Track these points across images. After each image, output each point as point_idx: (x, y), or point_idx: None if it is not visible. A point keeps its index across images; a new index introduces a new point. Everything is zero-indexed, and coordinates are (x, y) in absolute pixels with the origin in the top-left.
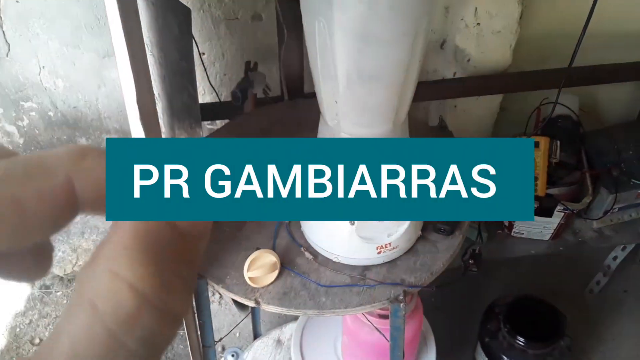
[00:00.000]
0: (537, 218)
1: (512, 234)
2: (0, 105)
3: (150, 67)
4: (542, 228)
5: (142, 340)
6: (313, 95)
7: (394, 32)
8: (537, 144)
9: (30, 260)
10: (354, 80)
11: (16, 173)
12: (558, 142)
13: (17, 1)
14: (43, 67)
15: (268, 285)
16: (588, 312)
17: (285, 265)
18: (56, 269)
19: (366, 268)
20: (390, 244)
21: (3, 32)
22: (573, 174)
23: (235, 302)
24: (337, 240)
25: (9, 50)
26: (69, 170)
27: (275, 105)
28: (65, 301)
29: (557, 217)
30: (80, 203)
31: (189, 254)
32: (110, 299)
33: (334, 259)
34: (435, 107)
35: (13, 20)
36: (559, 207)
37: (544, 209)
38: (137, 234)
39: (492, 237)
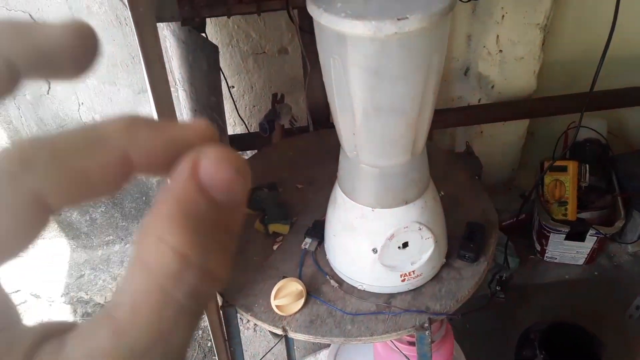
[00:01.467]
0: (569, 242)
1: (545, 258)
2: None
3: (182, 101)
4: (575, 252)
5: (189, 295)
6: None
7: (406, 69)
8: (565, 168)
9: None
10: (370, 113)
11: (78, 146)
12: (587, 165)
13: None
14: (82, 103)
15: (295, 313)
16: (628, 338)
17: (312, 293)
18: (97, 297)
19: (391, 296)
20: (414, 271)
21: None
22: (604, 197)
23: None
24: (361, 269)
25: (49, 88)
26: (125, 143)
27: (301, 136)
28: None
29: (590, 242)
30: (136, 170)
31: (226, 222)
32: (158, 260)
33: (359, 287)
34: (461, 133)
35: None
36: (591, 232)
37: (576, 233)
38: (179, 204)
39: (524, 262)
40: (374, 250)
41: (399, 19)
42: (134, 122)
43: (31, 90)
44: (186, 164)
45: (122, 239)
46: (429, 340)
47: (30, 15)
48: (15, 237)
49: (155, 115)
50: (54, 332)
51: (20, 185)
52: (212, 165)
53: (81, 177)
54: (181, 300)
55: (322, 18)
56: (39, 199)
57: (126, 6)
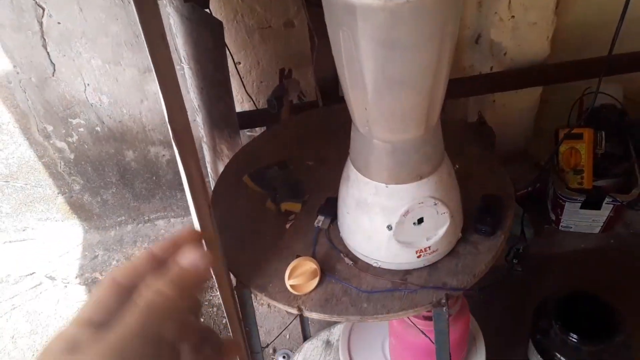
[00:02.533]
0: (585, 211)
1: (560, 228)
2: (50, 123)
3: (188, 79)
4: (591, 221)
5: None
6: None
7: (419, 38)
8: (581, 136)
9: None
10: (382, 87)
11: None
12: (603, 132)
13: (58, 23)
14: (88, 84)
15: (310, 292)
16: None
17: (326, 272)
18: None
19: (407, 272)
20: (430, 247)
21: (48, 53)
22: (620, 164)
23: None
24: (376, 246)
25: (54, 70)
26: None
27: (310, 111)
28: None
29: (606, 210)
30: None
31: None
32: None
33: (374, 264)
34: (473, 103)
35: (56, 41)
36: (607, 199)
37: (592, 202)
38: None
39: (539, 232)
40: (389, 227)
41: None
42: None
43: (36, 72)
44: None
45: (134, 219)
46: (447, 316)
47: (35, 1)
48: None
49: (160, 95)
50: None
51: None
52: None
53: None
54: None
55: None
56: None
57: None
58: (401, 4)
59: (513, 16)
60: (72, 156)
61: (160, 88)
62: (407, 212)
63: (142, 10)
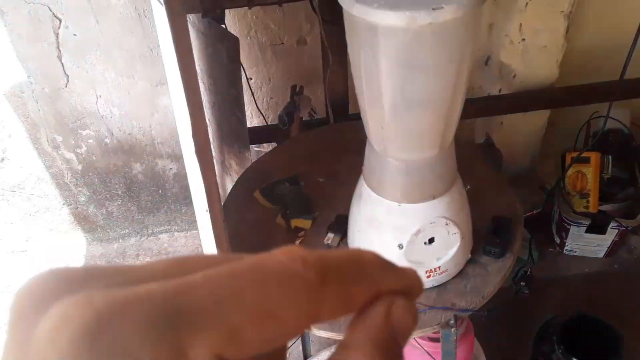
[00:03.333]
0: (590, 235)
1: (564, 252)
2: (60, 133)
3: (201, 94)
4: (596, 245)
5: None
6: (358, 117)
7: (440, 60)
8: (587, 160)
9: None
10: (400, 106)
11: (350, 270)
12: (610, 157)
13: (74, 35)
14: (100, 96)
15: None
16: None
17: None
18: None
19: None
20: (439, 267)
21: (62, 64)
22: (627, 189)
23: None
24: None
25: (67, 81)
26: (378, 277)
27: (321, 129)
28: None
29: (610, 234)
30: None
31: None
32: None
33: None
34: (481, 124)
35: (71, 53)
36: (612, 224)
37: (597, 226)
38: (375, 344)
39: (543, 255)
40: (400, 246)
41: (433, 9)
42: (386, 264)
43: (50, 83)
44: (382, 308)
45: (137, 232)
46: (455, 337)
47: (49, 8)
48: (288, 337)
49: (182, 108)
50: None
51: (315, 295)
52: (402, 315)
53: (350, 300)
54: None
55: (353, 9)
56: (320, 310)
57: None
58: (424, 26)
59: (524, 39)
60: (79, 167)
61: (187, 103)
62: (418, 232)
63: (174, 23)
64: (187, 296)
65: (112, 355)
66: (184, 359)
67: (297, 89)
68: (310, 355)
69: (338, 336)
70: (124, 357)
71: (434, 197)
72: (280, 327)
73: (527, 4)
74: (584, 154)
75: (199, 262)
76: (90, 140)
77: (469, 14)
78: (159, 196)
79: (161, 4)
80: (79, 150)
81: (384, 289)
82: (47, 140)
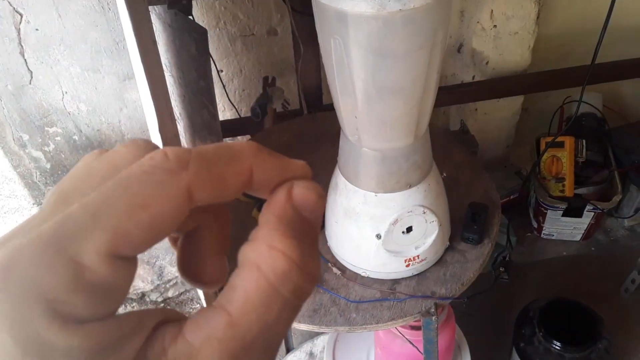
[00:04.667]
0: (566, 219)
1: (542, 236)
2: (26, 131)
3: (169, 87)
4: (573, 229)
5: (293, 291)
6: (332, 107)
7: (410, 47)
8: (562, 144)
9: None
10: (373, 95)
11: (221, 157)
12: (584, 141)
13: (36, 29)
14: (66, 92)
15: None
16: (625, 312)
17: None
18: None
19: (395, 282)
20: (418, 256)
21: (25, 60)
22: (601, 172)
23: None
24: (364, 255)
25: (31, 77)
26: (253, 162)
27: (295, 120)
28: None
29: (587, 217)
30: (252, 185)
31: (312, 234)
32: (269, 263)
33: (362, 274)
34: (455, 111)
35: (34, 48)
36: (588, 207)
37: (573, 210)
38: (281, 220)
39: (521, 240)
40: (378, 236)
41: None
42: (261, 149)
43: (13, 80)
44: (283, 190)
45: None
46: (436, 325)
47: (9, 2)
48: (170, 221)
49: (149, 102)
50: (171, 318)
51: (177, 179)
52: (303, 192)
53: (220, 180)
54: (286, 296)
55: None
56: (190, 192)
57: None
58: (394, 13)
59: (495, 25)
60: (48, 166)
61: (152, 96)
62: (396, 221)
63: (135, 16)
64: (67, 222)
65: (24, 288)
66: (81, 267)
67: (270, 80)
68: (293, 348)
69: (319, 329)
70: (32, 287)
71: (410, 186)
72: (157, 215)
73: None
74: (559, 139)
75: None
76: (58, 138)
77: (439, 0)
78: None
79: None
80: (46, 148)
81: (262, 171)
82: (13, 139)
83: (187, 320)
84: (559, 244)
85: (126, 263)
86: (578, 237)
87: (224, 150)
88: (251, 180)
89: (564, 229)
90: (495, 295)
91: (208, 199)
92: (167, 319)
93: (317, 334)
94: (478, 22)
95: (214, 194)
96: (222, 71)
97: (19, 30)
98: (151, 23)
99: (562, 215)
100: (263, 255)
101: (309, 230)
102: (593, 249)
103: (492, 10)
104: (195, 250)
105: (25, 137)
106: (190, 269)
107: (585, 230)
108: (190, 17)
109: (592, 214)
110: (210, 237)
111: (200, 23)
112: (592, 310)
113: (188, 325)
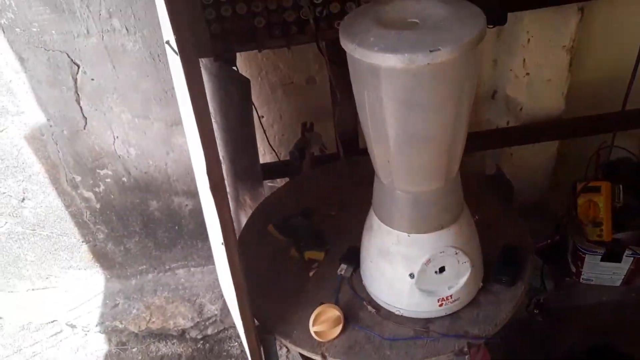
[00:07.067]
0: (605, 264)
1: (581, 281)
2: (79, 173)
3: (214, 133)
4: (612, 274)
5: None
6: (367, 152)
7: (439, 98)
8: (598, 189)
9: None
10: (404, 142)
11: None
12: (620, 185)
13: (92, 79)
14: (117, 137)
15: (333, 339)
16: None
17: (349, 319)
18: (131, 326)
19: (429, 321)
20: (451, 296)
21: (80, 107)
22: (639, 217)
23: (302, 356)
24: (398, 294)
25: (85, 123)
26: None
27: (332, 163)
28: (140, 357)
29: (626, 262)
30: None
31: None
32: None
33: (397, 312)
34: (490, 156)
35: (89, 97)
36: (627, 252)
37: (612, 254)
38: None
39: (559, 285)
40: (411, 275)
41: (431, 51)
42: None
43: (69, 125)
44: None
45: (155, 268)
46: None
47: (67, 54)
48: None
49: (198, 146)
50: None
51: None
52: None
53: None
54: None
55: (356, 52)
56: None
57: (171, 48)
58: (422, 67)
59: (528, 73)
60: (98, 206)
61: (202, 141)
62: (428, 261)
63: (187, 67)
64: None
65: None
66: None
67: (308, 126)
68: None
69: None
70: None
71: (442, 227)
72: None
73: (529, 40)
74: (595, 184)
75: None
76: (108, 180)
77: (465, 54)
78: (176, 232)
79: (176, 53)
80: (97, 189)
81: None
82: (66, 180)
83: None
84: (599, 289)
85: None
86: (618, 282)
87: None
88: None
89: (602, 274)
90: (533, 339)
91: None
92: None
93: None
94: (511, 70)
95: None
96: (263, 117)
97: (75, 80)
98: (201, 76)
99: (601, 260)
100: None
101: None
102: (634, 295)
103: (524, 59)
104: None
105: (78, 178)
106: None
107: (625, 275)
108: (235, 67)
109: (632, 259)
110: None
111: (244, 73)
112: (634, 357)
113: None
